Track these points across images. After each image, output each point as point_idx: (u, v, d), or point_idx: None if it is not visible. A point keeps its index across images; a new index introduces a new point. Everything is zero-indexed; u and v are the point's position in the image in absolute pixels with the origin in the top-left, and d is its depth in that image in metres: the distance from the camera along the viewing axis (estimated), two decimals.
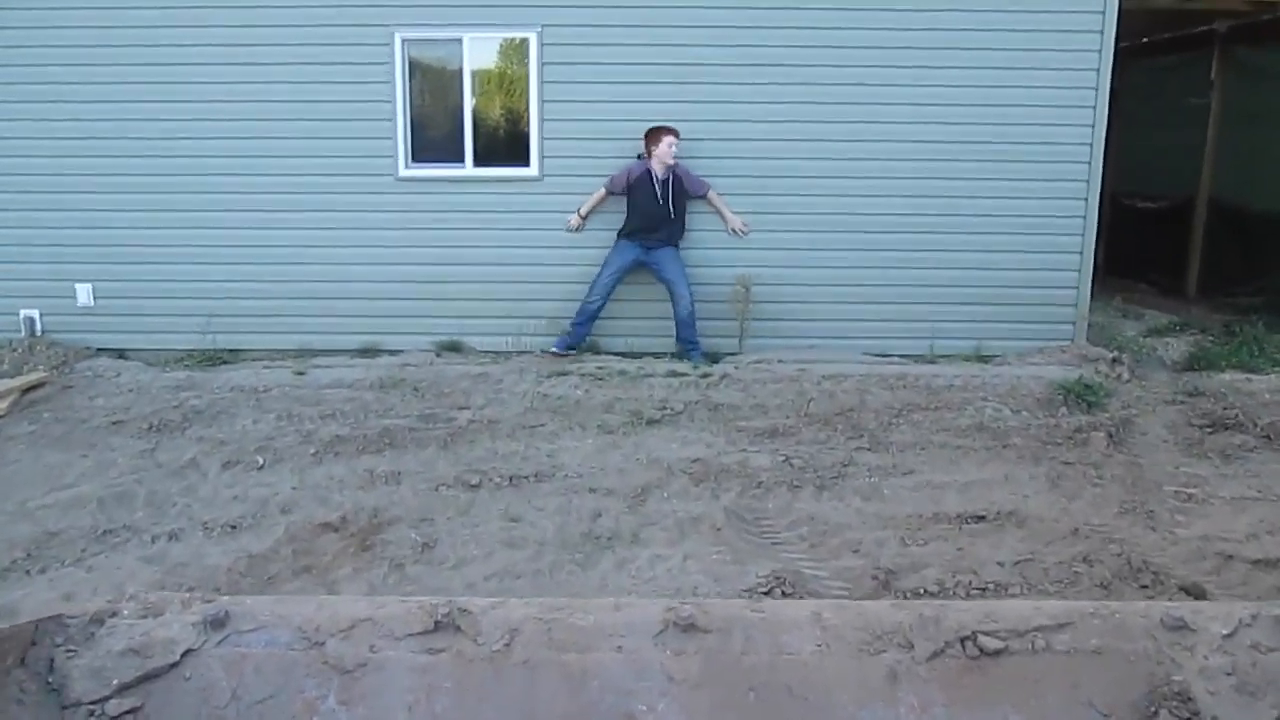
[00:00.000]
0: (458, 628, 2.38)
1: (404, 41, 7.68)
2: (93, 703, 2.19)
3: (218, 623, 2.33)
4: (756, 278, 7.76)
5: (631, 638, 2.38)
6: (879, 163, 7.74)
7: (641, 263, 7.71)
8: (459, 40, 7.69)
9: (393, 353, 7.92)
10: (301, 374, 7.31)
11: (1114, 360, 7.45)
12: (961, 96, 7.67)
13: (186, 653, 2.28)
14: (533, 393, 6.87)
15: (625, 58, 7.65)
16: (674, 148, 7.50)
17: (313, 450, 5.99)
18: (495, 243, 7.89)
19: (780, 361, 7.55)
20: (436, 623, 2.38)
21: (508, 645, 2.36)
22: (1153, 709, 2.30)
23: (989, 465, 5.86)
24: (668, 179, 7.56)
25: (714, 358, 7.76)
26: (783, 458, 5.86)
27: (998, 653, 2.37)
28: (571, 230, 7.82)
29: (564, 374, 7.16)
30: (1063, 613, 2.46)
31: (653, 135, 7.53)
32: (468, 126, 7.79)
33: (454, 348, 7.97)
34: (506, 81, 7.92)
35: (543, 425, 6.39)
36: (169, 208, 7.87)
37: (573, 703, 2.30)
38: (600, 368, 7.32)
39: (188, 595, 2.48)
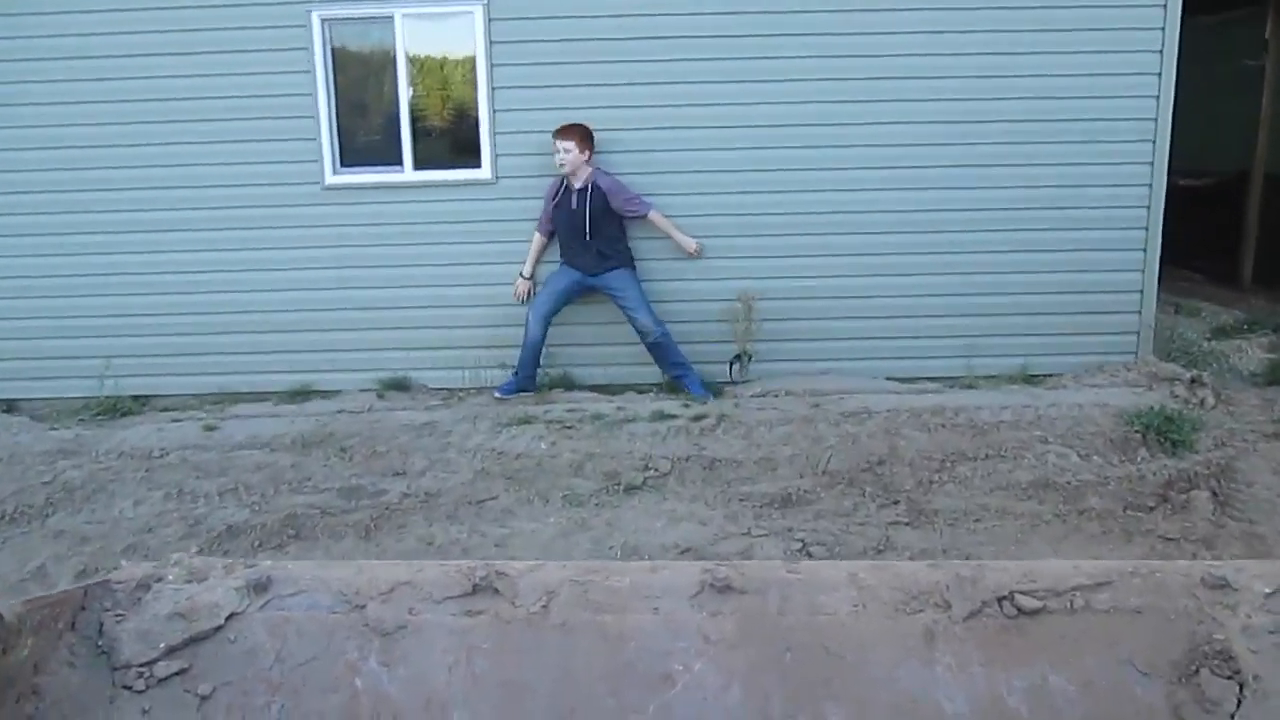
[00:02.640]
0: (495, 590, 2.35)
1: (324, 22, 6.18)
2: (142, 665, 2.17)
3: (260, 587, 2.30)
4: (760, 292, 6.27)
5: (668, 599, 2.33)
6: (901, 149, 6.24)
7: (591, 287, 6.23)
8: (390, 18, 6.18)
9: (328, 394, 6.46)
10: (212, 429, 5.85)
11: (1193, 381, 5.95)
12: (996, 67, 6.15)
13: (231, 616, 2.26)
14: (485, 449, 5.40)
15: (591, 32, 6.15)
16: (563, 154, 5.99)
17: (196, 548, 4.53)
18: (444, 260, 6.41)
19: (789, 394, 6.08)
20: (475, 585, 2.34)
21: (545, 607, 2.32)
22: (1194, 667, 2.22)
23: (1066, 544, 4.41)
24: (586, 192, 6.06)
25: (712, 389, 6.28)
26: (798, 543, 4.42)
27: (1036, 612, 2.30)
28: (519, 299, 6.36)
29: (527, 422, 5.69)
30: (1102, 572, 2.37)
31: (553, 132, 6.09)
32: (405, 123, 6.29)
33: (400, 386, 6.50)
34: (449, 68, 6.41)
35: (494, 498, 4.95)
36: (58, 230, 6.41)
37: (610, 663, 2.26)
38: (571, 411, 5.85)
39: (230, 561, 2.40)
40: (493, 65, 6.18)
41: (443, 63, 6.40)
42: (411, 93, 6.29)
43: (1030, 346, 6.43)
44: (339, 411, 6.10)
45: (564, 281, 6.19)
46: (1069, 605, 2.31)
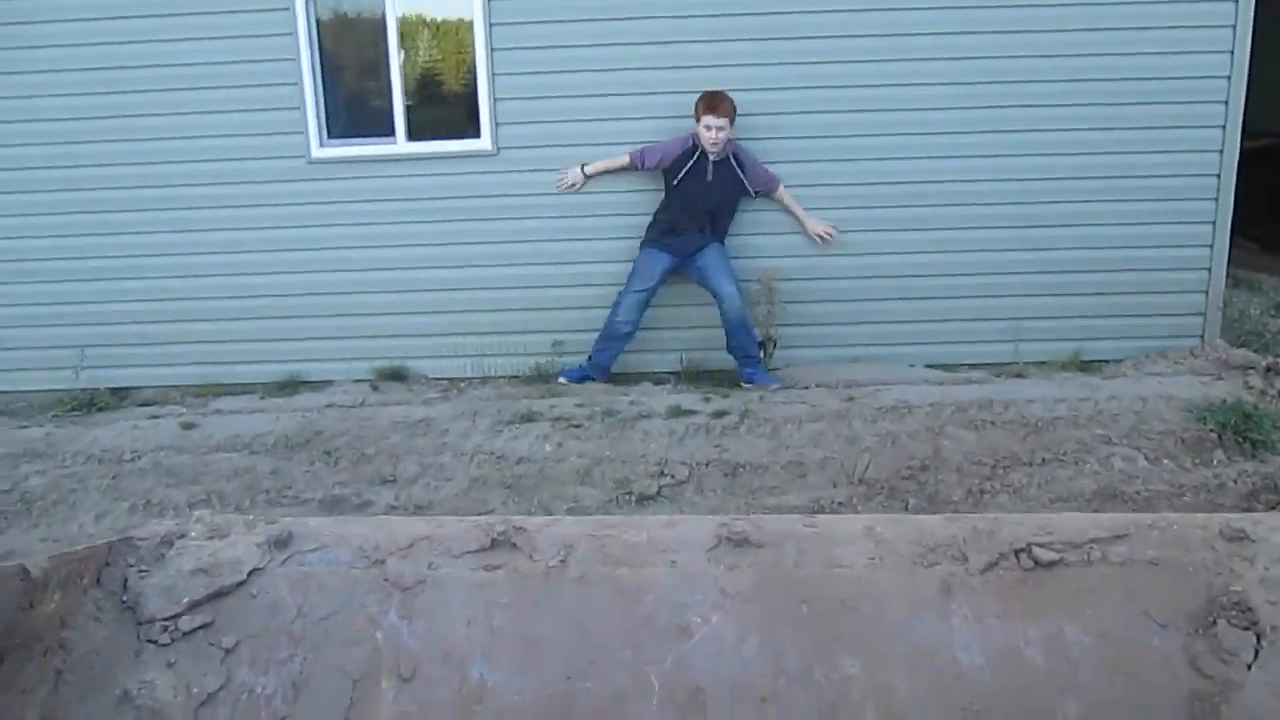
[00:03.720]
0: (514, 545, 2.34)
1: None
2: (166, 619, 2.18)
3: (281, 543, 2.31)
4: (784, 271, 5.65)
5: (684, 553, 2.32)
6: (940, 113, 5.57)
7: (678, 269, 5.62)
8: None
9: (318, 385, 5.90)
10: (190, 427, 5.31)
11: (1269, 369, 5.29)
12: (1049, 20, 5.45)
13: (253, 571, 2.27)
14: (484, 452, 4.83)
15: None
16: (716, 133, 5.34)
17: None
18: (442, 239, 5.81)
19: (819, 385, 5.47)
20: (493, 540, 2.34)
21: (563, 561, 2.32)
22: (1211, 619, 2.18)
23: None
24: (725, 164, 5.45)
25: (734, 379, 5.69)
26: None
27: (1052, 564, 2.26)
28: (563, 187, 5.67)
29: (530, 419, 5.11)
30: (1119, 525, 2.33)
31: (701, 103, 5.38)
32: (397, 91, 5.66)
33: (397, 376, 5.93)
34: (445, 29, 5.78)
35: (490, 511, 4.37)
36: (26, 211, 5.84)
37: (627, 616, 2.25)
38: (580, 406, 5.26)
39: (251, 518, 2.39)
40: (491, 25, 5.54)
41: (438, 23, 5.76)
42: (404, 57, 5.66)
43: (1084, 330, 5.78)
44: (328, 406, 5.54)
45: (659, 268, 5.54)
46: (1086, 557, 2.30)
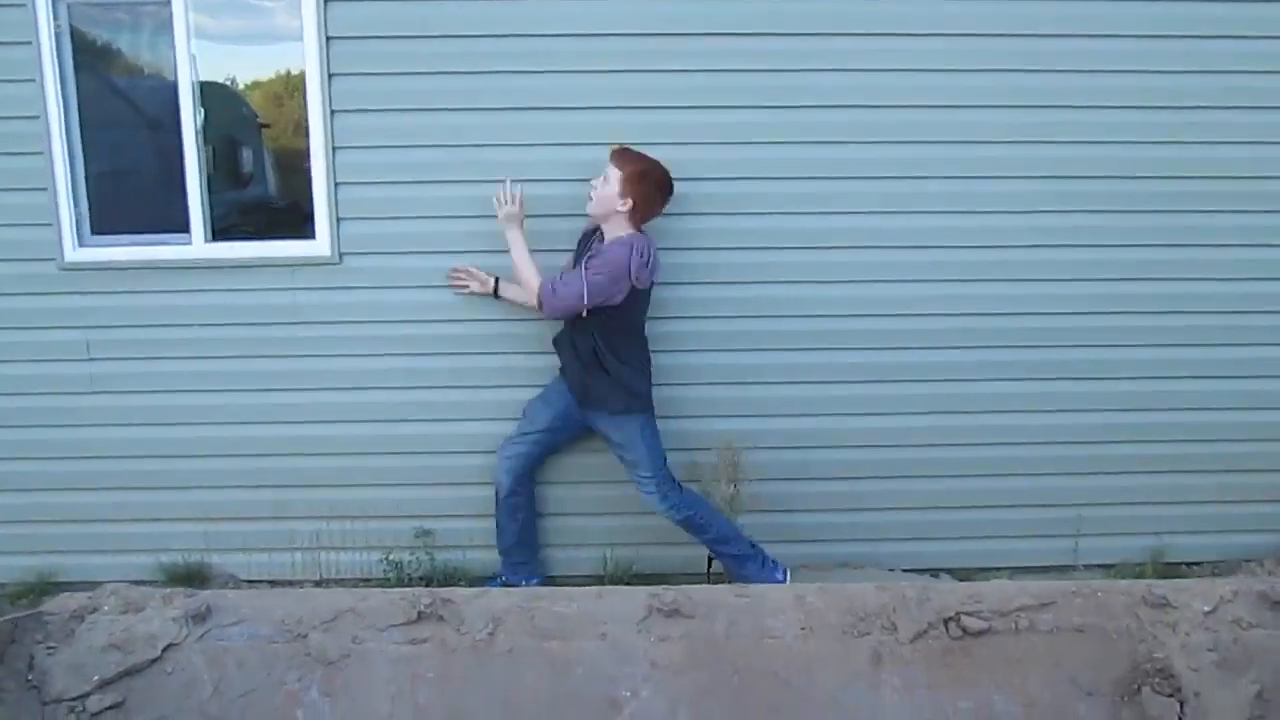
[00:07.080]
0: (441, 618, 2.22)
1: (58, 2, 3.63)
2: (73, 699, 2.06)
3: (199, 617, 2.18)
4: (751, 438, 3.79)
5: (615, 624, 2.22)
6: (976, 218, 3.80)
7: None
8: (165, 4, 3.64)
9: (78, 590, 3.88)
10: None
11: None
12: (1110, 91, 3.72)
13: (168, 647, 2.14)
14: None
15: (488, 26, 3.64)
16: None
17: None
18: (259, 381, 3.87)
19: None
20: (419, 613, 2.21)
21: (491, 634, 2.20)
22: (1135, 686, 2.15)
23: None
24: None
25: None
26: None
27: (981, 633, 2.20)
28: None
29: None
30: (1045, 592, 2.29)
31: (665, 183, 3.52)
32: (193, 170, 3.72)
33: (195, 576, 3.96)
34: (264, 84, 3.87)
35: None
36: None
37: (556, 690, 2.16)
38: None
39: (168, 591, 2.25)
40: (331, 75, 3.65)
41: (253, 81, 3.86)
42: (203, 119, 3.74)
43: (1167, 520, 4.00)
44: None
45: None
46: (1014, 626, 2.22)
